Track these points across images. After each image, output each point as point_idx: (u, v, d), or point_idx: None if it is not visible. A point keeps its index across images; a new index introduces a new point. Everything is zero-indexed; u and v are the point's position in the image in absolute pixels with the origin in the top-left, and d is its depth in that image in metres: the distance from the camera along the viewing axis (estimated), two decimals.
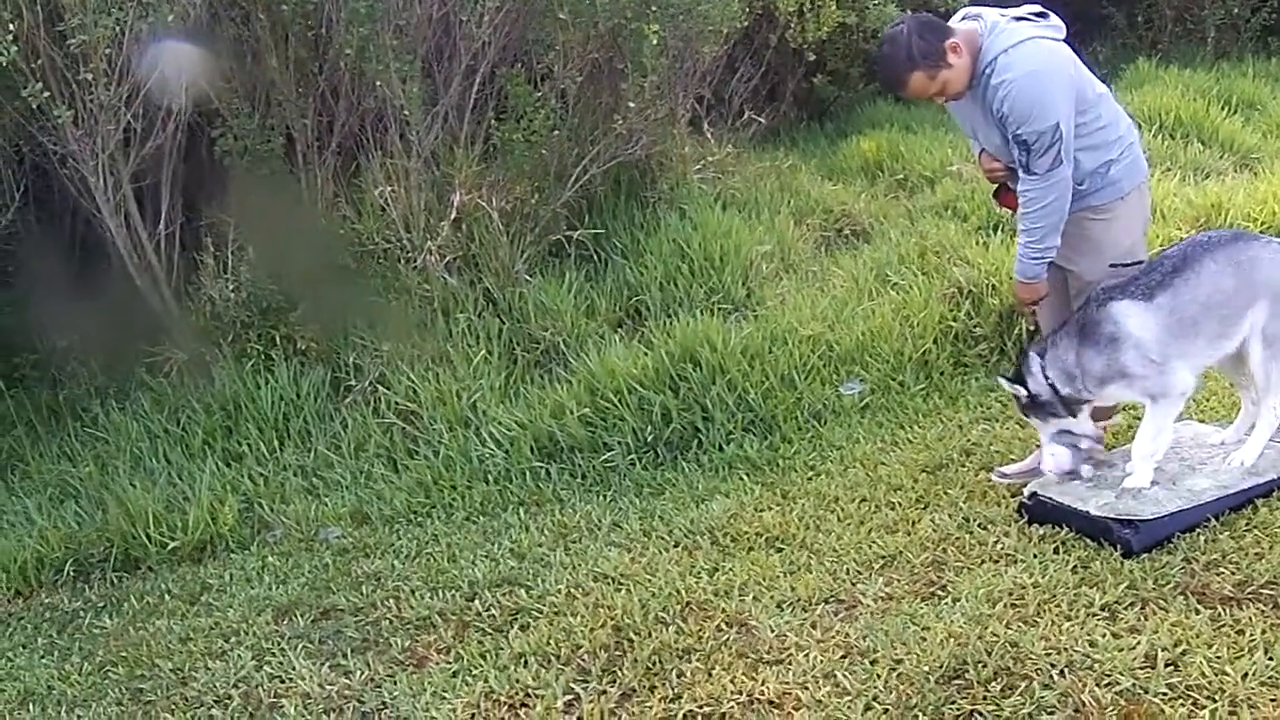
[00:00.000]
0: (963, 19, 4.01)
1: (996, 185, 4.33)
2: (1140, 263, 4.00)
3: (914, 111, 9.60)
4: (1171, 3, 11.66)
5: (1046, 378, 3.98)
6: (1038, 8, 4.01)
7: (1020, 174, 3.92)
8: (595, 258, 6.45)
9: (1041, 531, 3.97)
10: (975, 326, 5.55)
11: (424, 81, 6.19)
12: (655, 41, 6.21)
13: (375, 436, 5.40)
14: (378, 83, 6.00)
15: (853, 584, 3.75)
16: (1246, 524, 3.86)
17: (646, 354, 5.36)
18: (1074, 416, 4.04)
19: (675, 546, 4.22)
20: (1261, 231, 6.13)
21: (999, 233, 6.29)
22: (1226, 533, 3.82)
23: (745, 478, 4.76)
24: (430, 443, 5.24)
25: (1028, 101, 3.80)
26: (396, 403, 5.49)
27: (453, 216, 6.09)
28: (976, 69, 3.90)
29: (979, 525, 4.07)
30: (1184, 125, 8.30)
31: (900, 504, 4.32)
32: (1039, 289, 4.11)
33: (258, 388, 5.65)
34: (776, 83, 9.56)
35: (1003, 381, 4.15)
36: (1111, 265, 4.00)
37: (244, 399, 5.62)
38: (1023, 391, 4.04)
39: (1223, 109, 8.86)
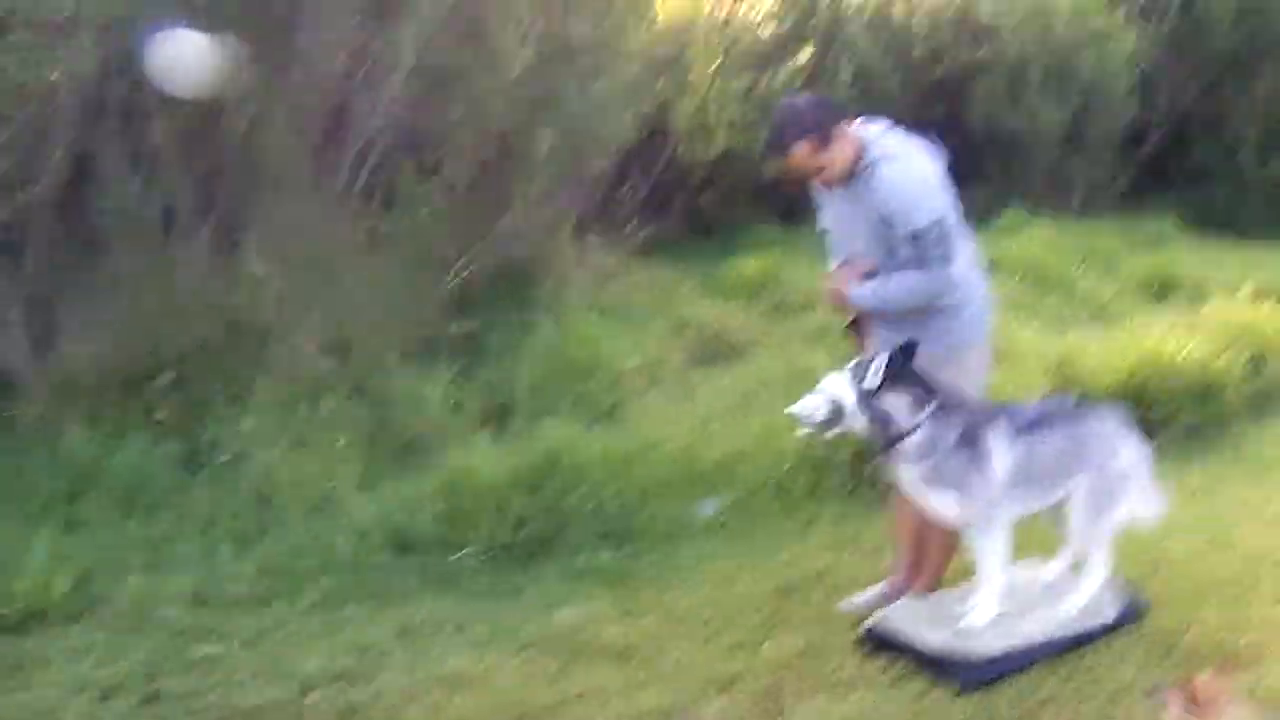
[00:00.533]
0: (855, 124, 4.09)
1: (851, 319, 4.40)
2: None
3: (797, 235, 9.85)
4: (1043, 158, 12.24)
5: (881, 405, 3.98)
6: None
7: (909, 270, 3.98)
8: (469, 354, 6.46)
9: (882, 661, 4.05)
10: (834, 454, 5.65)
11: (313, 163, 6.19)
12: (546, 148, 6.32)
13: (226, 516, 5.26)
14: (267, 159, 5.99)
15: (692, 704, 3.77)
16: (1071, 669, 4.01)
17: (510, 455, 5.35)
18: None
19: (519, 653, 4.18)
20: (1108, 387, 6.42)
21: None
22: (1054, 676, 3.97)
23: (596, 588, 4.75)
24: (282, 526, 5.13)
25: (915, 195, 3.94)
26: (252, 483, 5.39)
27: (330, 299, 6.06)
28: (858, 164, 3.98)
29: (822, 651, 4.13)
30: (1046, 276, 8.67)
31: (747, 625, 4.36)
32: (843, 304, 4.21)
33: (109, 455, 5.48)
34: (666, 197, 9.75)
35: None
36: None
37: (93, 465, 5.45)
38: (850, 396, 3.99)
39: (1082, 263, 9.28)
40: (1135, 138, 13.38)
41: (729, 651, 4.16)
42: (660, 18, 8.79)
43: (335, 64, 6.05)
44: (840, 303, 4.22)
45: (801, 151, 3.95)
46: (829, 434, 4.10)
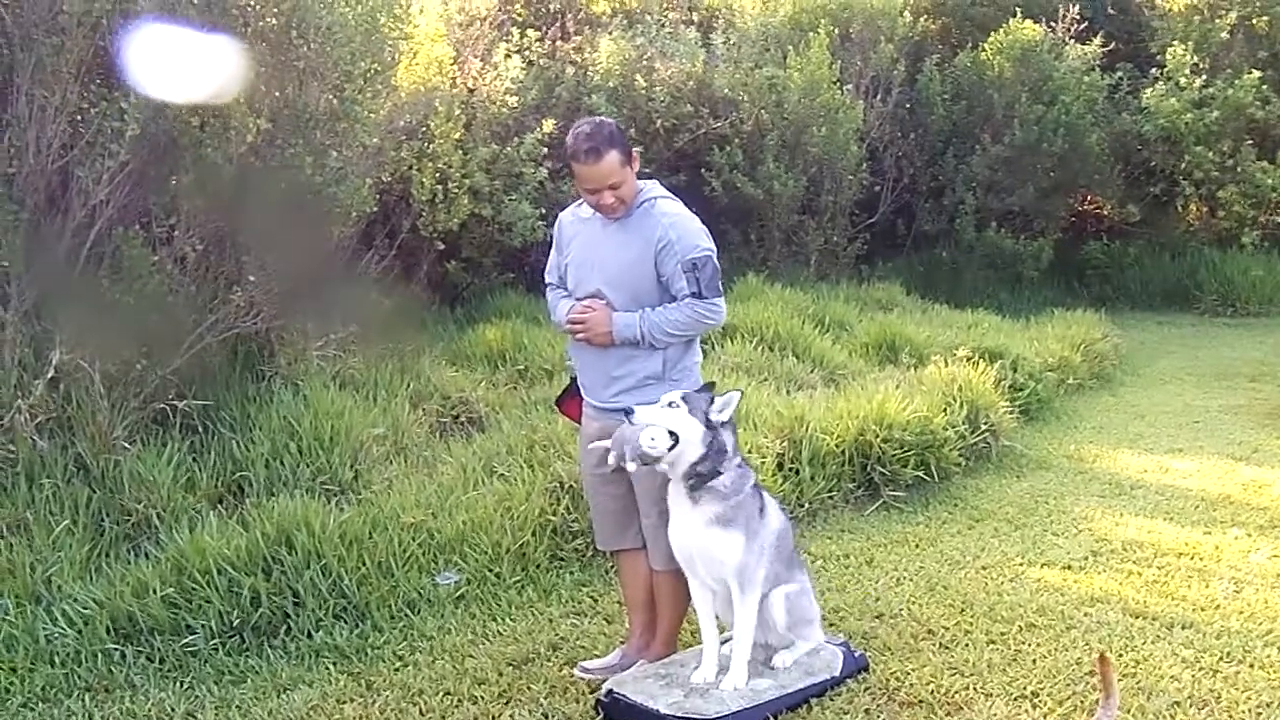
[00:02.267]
0: None
1: (561, 392, 4.63)
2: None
3: (541, 305, 9.95)
4: (780, 226, 12.76)
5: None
6: None
7: (688, 300, 4.15)
8: (202, 429, 6.27)
9: None
10: (573, 521, 5.72)
11: (32, 234, 5.93)
12: (281, 218, 6.23)
13: None
14: None
15: None
16: None
17: (241, 533, 5.21)
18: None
19: None
20: (836, 445, 6.72)
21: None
22: None
23: (331, 667, 4.67)
24: None
25: (693, 230, 4.18)
26: None
27: (49, 375, 5.80)
28: (636, 197, 4.18)
29: None
30: (782, 339, 9.00)
31: (483, 698, 4.37)
32: (605, 340, 4.22)
33: None
34: (410, 265, 9.71)
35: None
36: None
37: None
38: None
39: (817, 327, 9.69)
40: (867, 206, 14.12)
41: None
42: (402, 87, 8.79)
43: (55, 129, 5.82)
44: (601, 333, 4.22)
45: (613, 160, 4.06)
46: (660, 468, 4.14)
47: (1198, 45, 14.78)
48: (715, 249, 4.25)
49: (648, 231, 4.15)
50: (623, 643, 4.69)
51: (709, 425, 4.13)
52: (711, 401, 4.17)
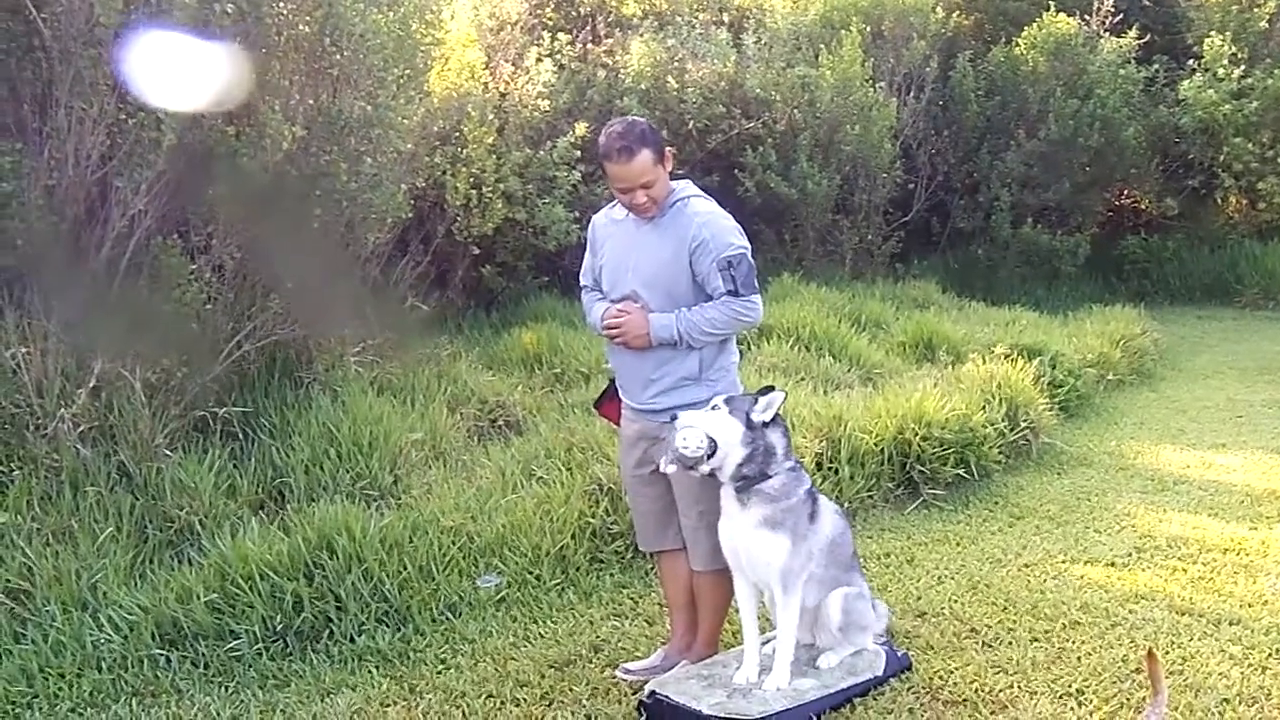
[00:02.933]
0: None
1: (600, 394, 4.63)
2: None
3: (577, 308, 9.96)
4: (814, 225, 12.72)
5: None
6: None
7: (724, 298, 4.14)
8: (242, 436, 6.31)
9: None
10: (612, 524, 5.72)
11: (72, 243, 5.99)
12: (317, 225, 6.27)
13: None
14: (18, 241, 5.76)
15: None
16: None
17: (283, 539, 5.24)
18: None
19: None
20: (875, 444, 6.70)
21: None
22: None
23: (374, 671, 4.69)
24: (40, 626, 4.88)
25: (726, 227, 4.17)
26: (7, 580, 5.12)
27: (91, 384, 5.85)
28: (669, 198, 4.19)
29: None
30: (818, 339, 8.98)
31: (526, 700, 4.38)
32: (643, 343, 4.22)
33: None
34: (445, 270, 9.75)
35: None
36: None
37: None
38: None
39: (853, 326, 9.67)
40: (901, 204, 14.06)
41: None
42: (435, 93, 8.83)
43: (93, 140, 5.87)
44: (638, 336, 4.21)
45: (645, 159, 4.06)
46: (701, 470, 4.16)
47: (1235, 35, 14.61)
48: (750, 247, 4.24)
49: (682, 231, 4.15)
50: (664, 643, 4.69)
51: (750, 426, 4.12)
52: (755, 402, 4.16)
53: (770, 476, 4.17)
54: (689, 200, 4.22)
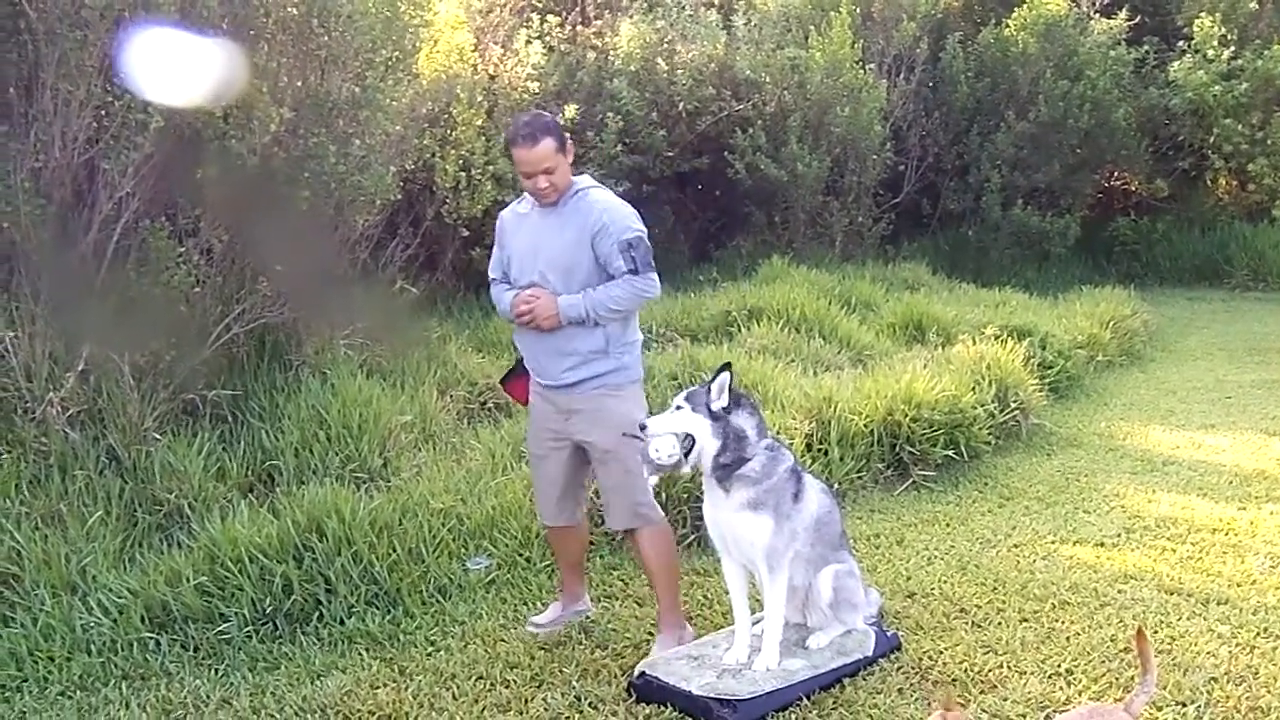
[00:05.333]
0: None
1: (505, 373, 4.89)
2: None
3: None
4: (804, 207, 12.71)
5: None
6: None
7: (625, 277, 4.34)
8: (231, 419, 6.30)
9: (648, 710, 4.14)
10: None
11: (59, 226, 5.96)
12: (306, 207, 6.24)
13: None
14: (4, 224, 5.73)
15: None
16: (834, 702, 4.20)
17: (272, 522, 5.23)
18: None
19: None
20: (865, 425, 6.71)
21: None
22: (815, 710, 4.14)
23: (364, 653, 4.69)
24: (30, 610, 4.85)
25: (625, 213, 4.42)
26: None
27: (80, 368, 5.83)
28: (569, 189, 4.41)
29: (589, 704, 4.21)
30: (808, 320, 8.99)
31: (515, 681, 4.39)
32: (553, 323, 4.36)
33: None
34: (435, 252, 9.73)
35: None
36: (624, 435, 4.37)
37: None
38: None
39: (843, 308, 9.67)
40: (891, 186, 14.06)
41: (498, 710, 4.19)
42: (424, 74, 8.79)
43: (80, 122, 5.84)
44: (548, 317, 4.36)
45: (548, 146, 4.28)
46: (684, 470, 4.31)
47: (1225, 16, 14.63)
48: (646, 230, 4.43)
49: (583, 218, 4.37)
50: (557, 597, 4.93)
51: (715, 417, 4.21)
52: (709, 391, 4.23)
53: (748, 459, 4.22)
54: (588, 190, 4.44)
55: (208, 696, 4.39)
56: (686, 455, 4.20)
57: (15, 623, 4.80)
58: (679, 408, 4.25)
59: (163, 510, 5.57)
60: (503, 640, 4.75)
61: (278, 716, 4.19)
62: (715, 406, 4.21)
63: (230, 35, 6.20)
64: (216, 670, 4.61)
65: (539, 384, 4.61)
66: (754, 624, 4.40)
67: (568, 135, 4.46)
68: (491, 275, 4.71)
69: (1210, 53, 14.43)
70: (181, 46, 5.77)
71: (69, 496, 5.46)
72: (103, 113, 5.88)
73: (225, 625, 4.83)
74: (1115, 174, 16.71)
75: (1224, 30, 14.50)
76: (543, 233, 4.44)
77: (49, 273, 5.88)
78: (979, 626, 4.79)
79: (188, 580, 4.93)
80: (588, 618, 4.88)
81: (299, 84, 6.80)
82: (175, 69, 5.76)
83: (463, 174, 9.19)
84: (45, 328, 5.83)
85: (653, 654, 4.45)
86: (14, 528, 5.18)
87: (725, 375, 4.24)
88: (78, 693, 4.48)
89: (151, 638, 4.77)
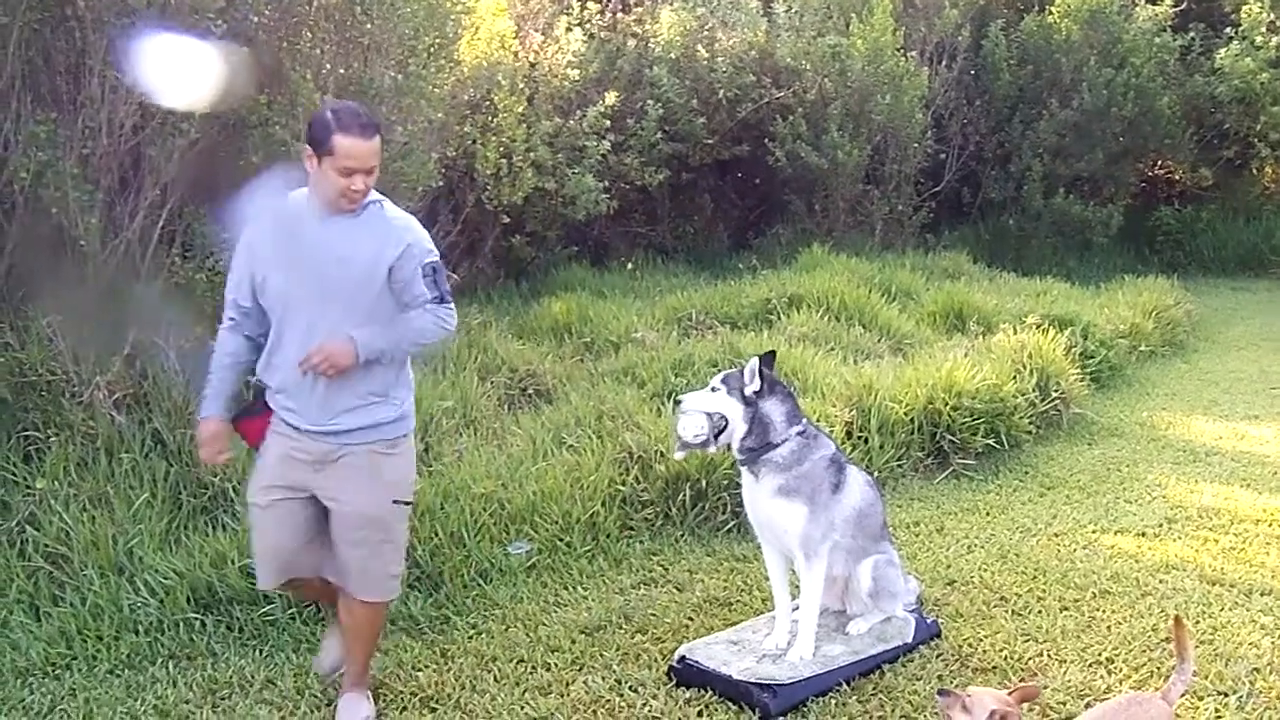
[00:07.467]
0: None
1: (239, 411, 4.05)
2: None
3: (606, 278, 10.01)
4: (844, 195, 12.66)
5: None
6: None
7: (429, 305, 3.73)
8: None
9: (689, 694, 4.16)
10: (642, 491, 5.75)
11: (106, 212, 6.03)
12: None
13: (18, 581, 5.05)
14: (54, 210, 5.81)
15: None
16: (873, 688, 4.21)
17: None
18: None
19: (328, 705, 4.15)
20: (905, 414, 6.69)
21: (671, 400, 6.57)
22: (855, 696, 4.14)
23: (406, 635, 4.73)
24: (79, 590, 4.93)
25: (424, 233, 3.80)
26: (45, 545, 5.18)
27: (126, 352, 5.90)
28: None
29: (630, 688, 4.22)
30: (848, 309, 8.96)
31: (556, 665, 4.41)
32: (349, 363, 3.68)
33: None
34: (475, 239, 9.78)
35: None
36: (395, 502, 3.93)
37: None
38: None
39: (883, 296, 9.63)
40: (932, 174, 13.98)
41: (539, 693, 4.21)
42: (465, 61, 8.83)
43: (126, 109, 5.90)
44: (344, 356, 3.67)
45: (379, 145, 3.63)
46: (711, 450, 4.34)
47: (1274, 2, 14.41)
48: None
49: (383, 232, 3.71)
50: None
51: (746, 401, 4.22)
52: (742, 376, 4.25)
53: (775, 445, 4.22)
54: (383, 204, 3.78)
55: (252, 676, 4.44)
56: (717, 436, 4.23)
57: (65, 602, 4.87)
58: (715, 389, 4.27)
59: (207, 493, 5.62)
60: (543, 624, 4.78)
61: (321, 697, 4.23)
62: (747, 391, 4.22)
63: (274, 23, 6.24)
64: (261, 651, 4.66)
65: (288, 426, 3.86)
66: (793, 610, 4.41)
67: None
68: (229, 314, 4.00)
69: (1258, 39, 14.25)
70: (225, 35, 5.81)
71: (116, 479, 5.52)
72: (148, 99, 5.93)
73: (269, 607, 4.87)
74: (1159, 162, 16.54)
75: (1273, 16, 14.31)
76: (332, 242, 3.67)
77: (93, 260, 5.94)
78: (1019, 615, 4.78)
79: (232, 562, 4.98)
80: None
81: (342, 71, 6.83)
82: (216, 59, 5.80)
83: (503, 161, 9.23)
84: (93, 311, 5.90)
85: (339, 714, 4.08)
86: (62, 509, 5.25)
87: (756, 360, 4.25)
88: (126, 671, 4.54)
89: (197, 618, 4.83)
